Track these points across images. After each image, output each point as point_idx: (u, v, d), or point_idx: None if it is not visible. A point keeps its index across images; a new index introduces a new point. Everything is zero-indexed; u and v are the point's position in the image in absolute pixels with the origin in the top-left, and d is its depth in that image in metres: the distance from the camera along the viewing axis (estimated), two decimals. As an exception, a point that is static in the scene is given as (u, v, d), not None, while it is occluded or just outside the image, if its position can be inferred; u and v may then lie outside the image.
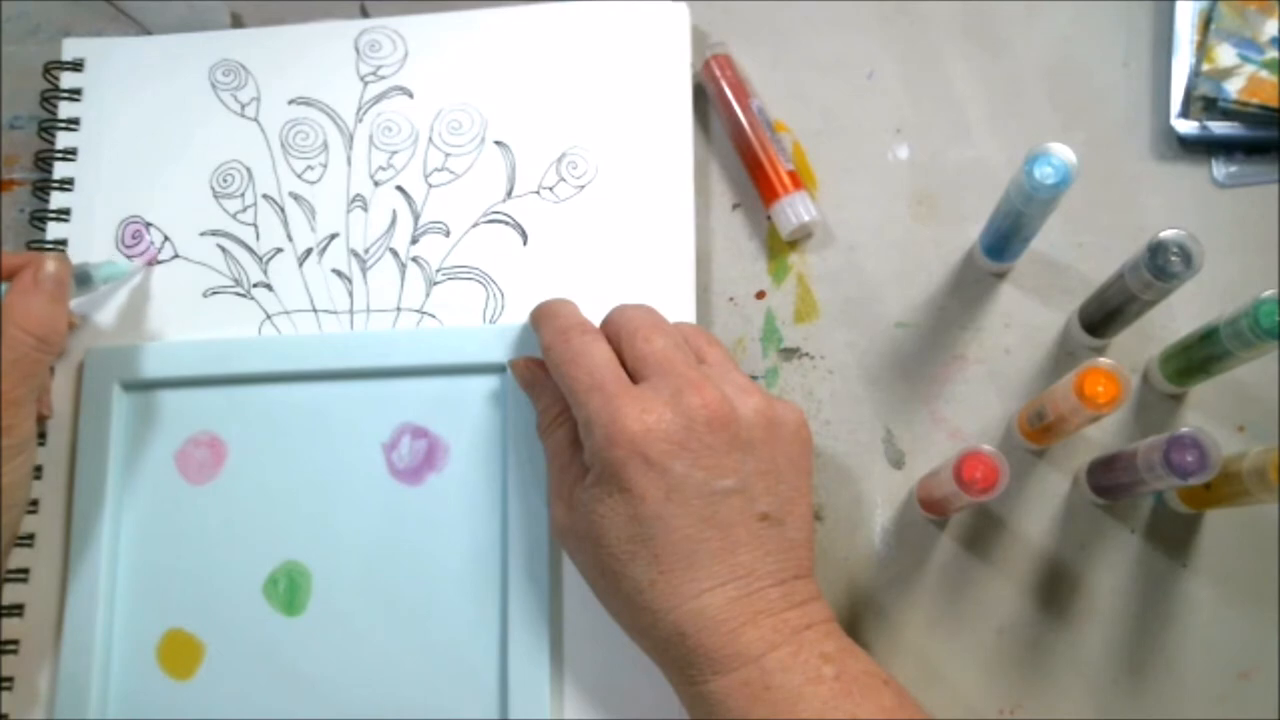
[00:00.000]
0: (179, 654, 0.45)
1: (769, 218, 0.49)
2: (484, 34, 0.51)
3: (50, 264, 0.42)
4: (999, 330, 0.47)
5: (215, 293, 0.49)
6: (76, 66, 0.52)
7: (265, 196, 0.50)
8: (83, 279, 0.45)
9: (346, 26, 0.52)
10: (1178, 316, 0.46)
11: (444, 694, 0.44)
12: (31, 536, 0.46)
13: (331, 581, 0.45)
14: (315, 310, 0.48)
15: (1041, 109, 0.49)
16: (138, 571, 0.46)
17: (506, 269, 0.48)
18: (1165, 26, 0.50)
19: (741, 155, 0.49)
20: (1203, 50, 0.48)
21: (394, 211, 0.49)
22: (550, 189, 0.49)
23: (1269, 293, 0.37)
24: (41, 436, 0.47)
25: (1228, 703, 0.43)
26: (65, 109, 0.51)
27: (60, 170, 0.51)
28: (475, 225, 0.49)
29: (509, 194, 0.49)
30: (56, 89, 0.52)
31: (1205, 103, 0.48)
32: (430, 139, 0.50)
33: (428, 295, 0.48)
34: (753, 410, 0.38)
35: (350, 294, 0.48)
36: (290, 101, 0.51)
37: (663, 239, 0.47)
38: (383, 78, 0.51)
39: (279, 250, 0.49)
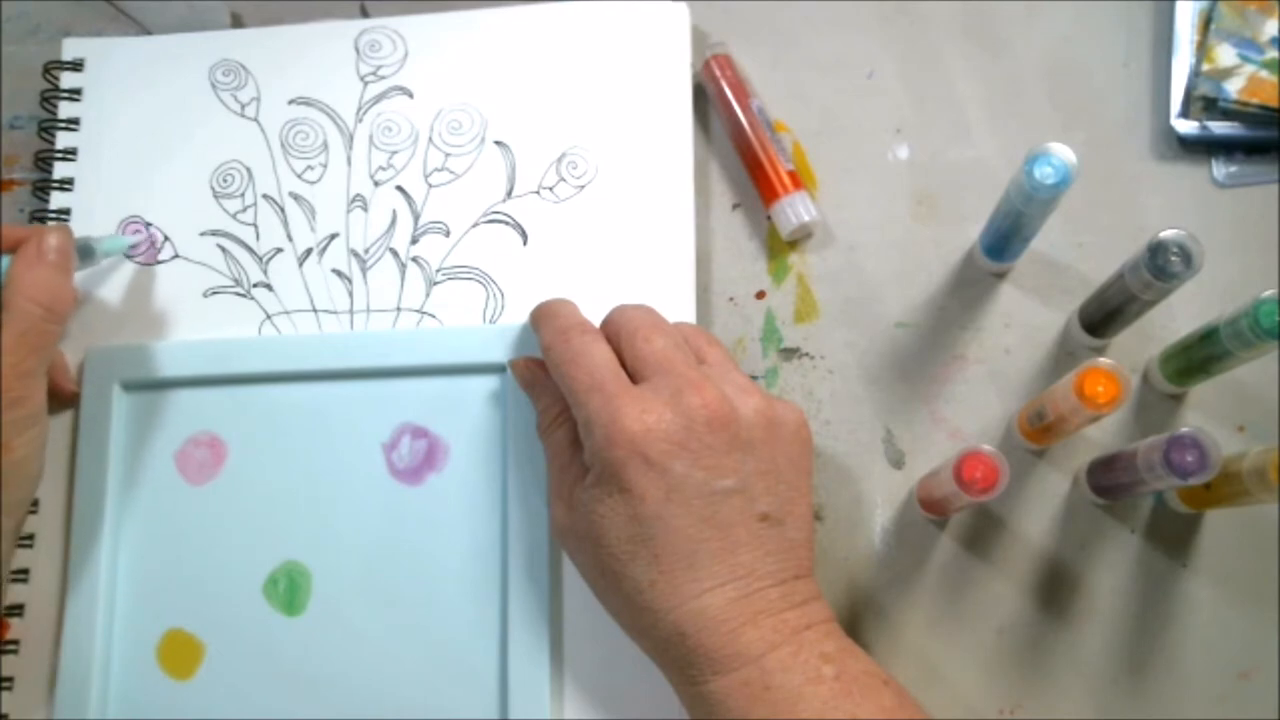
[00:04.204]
0: (179, 654, 0.45)
1: (769, 218, 0.49)
2: (484, 34, 0.51)
3: (53, 235, 0.42)
4: (999, 330, 0.47)
5: (215, 293, 0.49)
6: (76, 66, 0.52)
7: (265, 196, 0.50)
8: (85, 251, 0.45)
9: (346, 26, 0.52)
10: (1178, 316, 0.46)
11: (444, 694, 0.44)
12: (31, 536, 0.46)
13: (331, 581, 0.45)
14: (315, 310, 0.48)
15: (1041, 109, 0.49)
16: (138, 571, 0.46)
17: (506, 269, 0.48)
18: (1165, 26, 0.50)
19: (741, 155, 0.49)
20: (1203, 50, 0.48)
21: (394, 211, 0.49)
22: (550, 189, 0.49)
23: (1269, 293, 0.37)
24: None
25: (1228, 703, 0.43)
26: (65, 109, 0.51)
27: (60, 170, 0.51)
28: (475, 225, 0.49)
29: (509, 194, 0.49)
30: (56, 89, 0.52)
31: (1205, 103, 0.48)
32: (430, 139, 0.50)
33: (428, 295, 0.48)
34: (753, 410, 0.38)
35: (350, 294, 0.48)
36: (290, 101, 0.51)
37: (663, 239, 0.47)
38: (383, 78, 0.51)
39: (279, 250, 0.49)
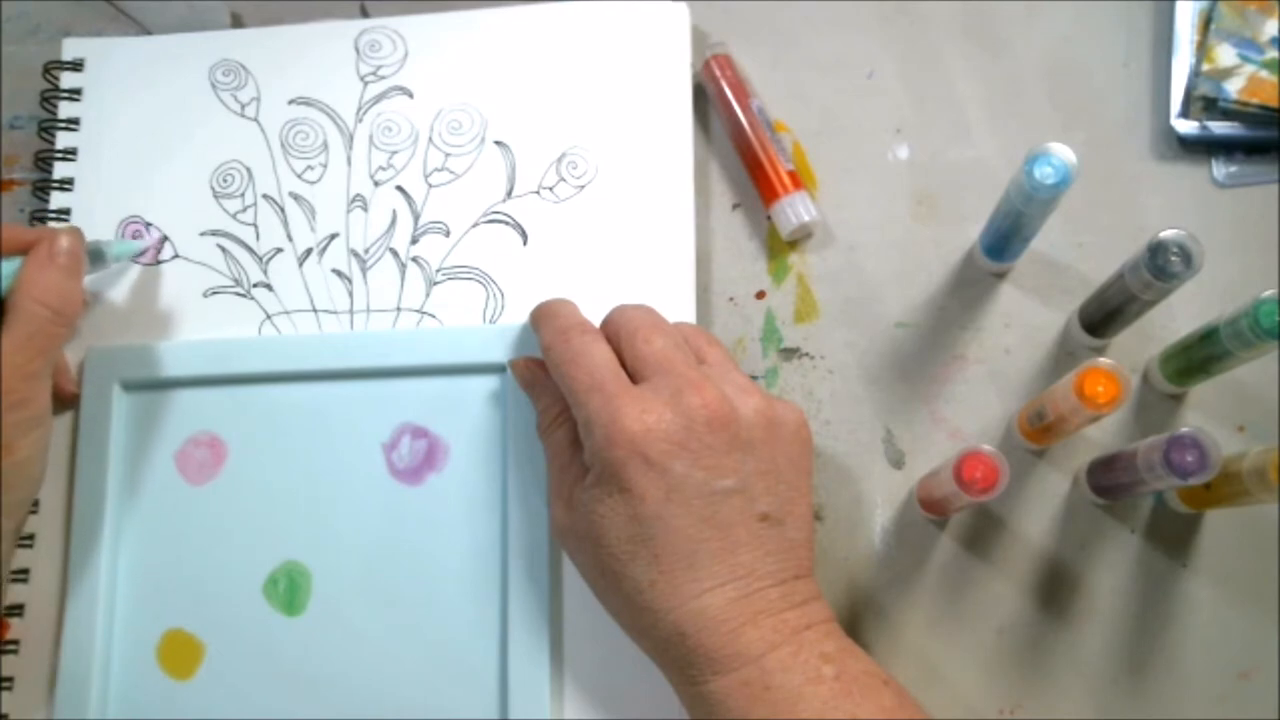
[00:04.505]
0: (179, 654, 0.45)
1: (769, 218, 0.49)
2: (484, 34, 0.51)
3: (64, 238, 0.42)
4: (999, 330, 0.47)
5: (215, 293, 0.49)
6: (76, 66, 0.52)
7: (265, 196, 0.50)
8: (96, 255, 0.46)
9: (346, 26, 0.52)
10: (1178, 316, 0.46)
11: (444, 694, 0.44)
12: (31, 537, 0.46)
13: (331, 581, 0.45)
14: (315, 310, 0.48)
15: (1041, 109, 0.49)
16: (138, 571, 0.46)
17: (506, 269, 0.48)
18: (1165, 26, 0.50)
19: (741, 155, 0.49)
20: (1203, 50, 0.48)
21: (394, 211, 0.49)
22: (550, 189, 0.49)
23: (1269, 293, 0.37)
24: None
25: (1228, 703, 0.43)
26: (65, 109, 0.51)
27: (60, 170, 0.51)
28: (475, 225, 0.49)
29: (509, 194, 0.49)
30: (56, 89, 0.52)
31: (1205, 103, 0.48)
32: (430, 139, 0.50)
33: (428, 295, 0.48)
34: (753, 410, 0.38)
35: (350, 294, 0.48)
36: (290, 101, 0.51)
37: (663, 239, 0.47)
38: (383, 78, 0.51)
39: (279, 250, 0.49)
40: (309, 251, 0.49)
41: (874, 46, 0.51)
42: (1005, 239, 0.44)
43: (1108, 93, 0.49)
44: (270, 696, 0.44)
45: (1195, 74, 0.48)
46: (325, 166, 0.50)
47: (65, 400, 0.47)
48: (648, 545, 0.37)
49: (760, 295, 0.49)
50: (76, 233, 0.43)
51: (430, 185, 0.49)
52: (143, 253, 0.49)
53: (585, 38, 0.50)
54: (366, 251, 0.49)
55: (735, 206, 0.50)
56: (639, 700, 0.43)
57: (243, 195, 0.50)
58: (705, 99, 0.51)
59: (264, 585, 0.45)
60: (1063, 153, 0.39)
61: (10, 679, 0.45)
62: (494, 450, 0.46)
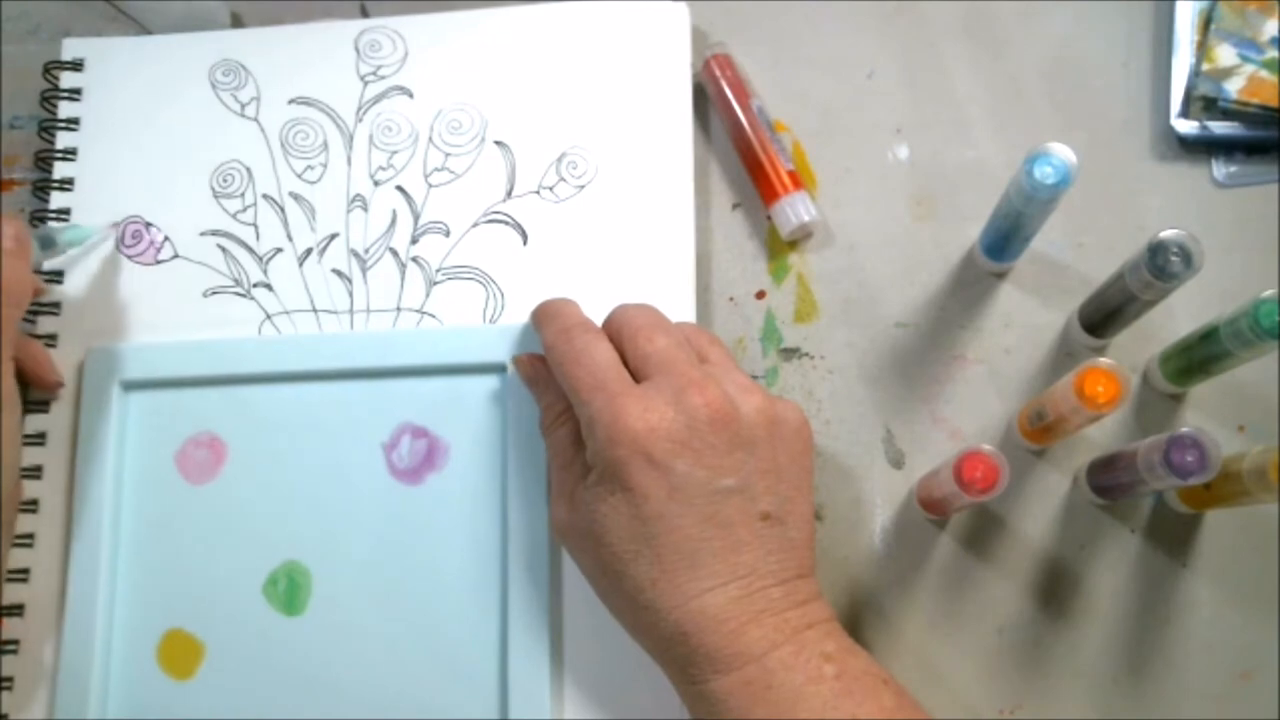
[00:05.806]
0: (179, 654, 0.45)
1: (769, 218, 0.49)
2: (484, 34, 0.51)
3: (7, 224, 0.43)
4: (999, 330, 0.47)
5: (215, 293, 0.49)
6: (76, 66, 0.52)
7: (265, 196, 0.50)
8: (46, 242, 0.46)
9: (346, 26, 0.52)
10: (1178, 316, 0.46)
11: (444, 694, 0.44)
12: (31, 536, 0.46)
13: (331, 581, 0.45)
14: (315, 310, 0.48)
15: (1041, 109, 0.49)
16: (138, 571, 0.46)
17: (506, 269, 0.48)
18: (1165, 26, 0.50)
19: (741, 155, 0.49)
20: (1203, 50, 0.48)
21: (394, 211, 0.49)
22: (550, 189, 0.49)
23: (1269, 293, 0.37)
24: (43, 404, 0.47)
25: (1228, 703, 0.43)
26: (65, 109, 0.51)
27: (60, 170, 0.51)
28: (475, 225, 0.49)
29: (509, 194, 0.49)
30: (56, 89, 0.52)
31: (1205, 103, 0.48)
32: (430, 139, 0.50)
33: (428, 295, 0.48)
34: (754, 409, 0.38)
35: (350, 294, 0.48)
36: (290, 101, 0.51)
37: (663, 239, 0.47)
38: (383, 78, 0.51)
39: (279, 250, 0.49)
40: (309, 251, 0.49)
41: (874, 46, 0.51)
42: (1005, 239, 0.44)
43: (1108, 93, 0.49)
44: (270, 696, 0.44)
45: (1195, 74, 0.48)
46: (325, 166, 0.50)
47: (48, 389, 0.47)
48: (650, 544, 0.37)
49: (760, 295, 0.49)
50: (17, 219, 0.44)
51: (430, 185, 0.49)
52: (104, 238, 0.49)
53: (585, 38, 0.50)
54: (366, 251, 0.49)
55: (735, 206, 0.50)
56: (639, 700, 0.43)
57: (243, 195, 0.50)
58: (705, 99, 0.51)
59: (264, 585, 0.45)
60: (1063, 153, 0.39)
61: (10, 679, 0.45)
62: (494, 450, 0.46)
